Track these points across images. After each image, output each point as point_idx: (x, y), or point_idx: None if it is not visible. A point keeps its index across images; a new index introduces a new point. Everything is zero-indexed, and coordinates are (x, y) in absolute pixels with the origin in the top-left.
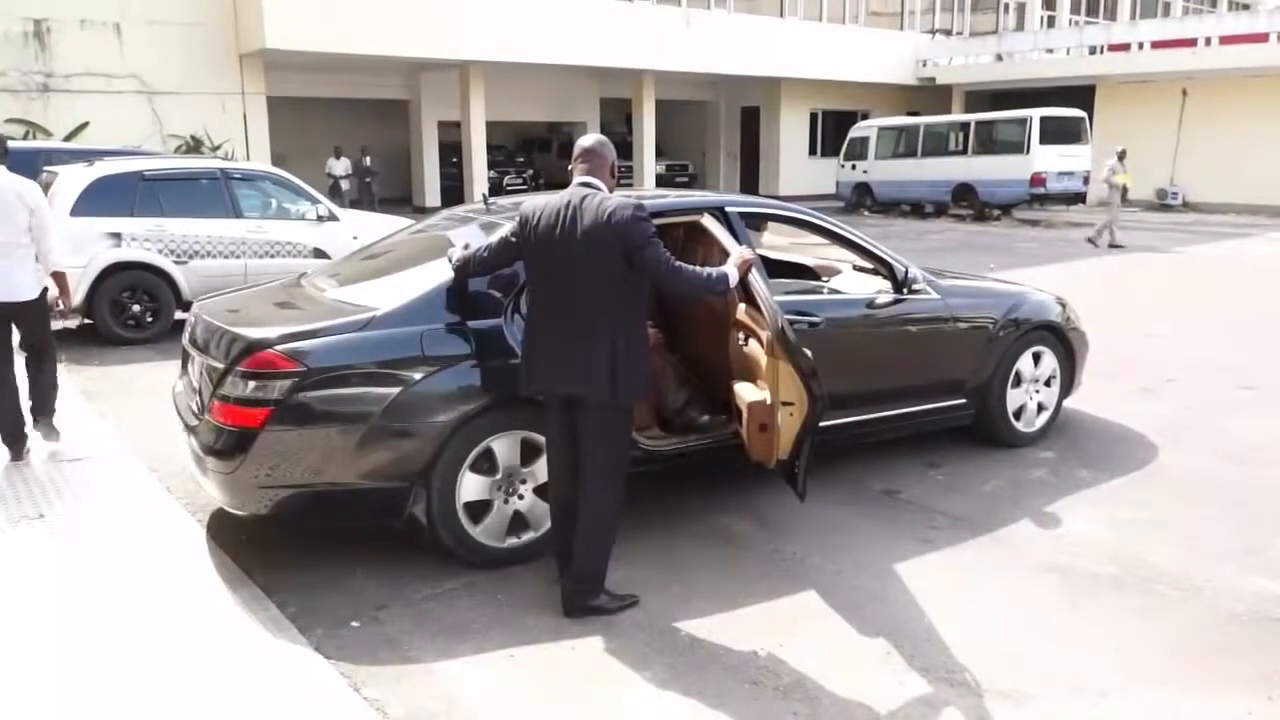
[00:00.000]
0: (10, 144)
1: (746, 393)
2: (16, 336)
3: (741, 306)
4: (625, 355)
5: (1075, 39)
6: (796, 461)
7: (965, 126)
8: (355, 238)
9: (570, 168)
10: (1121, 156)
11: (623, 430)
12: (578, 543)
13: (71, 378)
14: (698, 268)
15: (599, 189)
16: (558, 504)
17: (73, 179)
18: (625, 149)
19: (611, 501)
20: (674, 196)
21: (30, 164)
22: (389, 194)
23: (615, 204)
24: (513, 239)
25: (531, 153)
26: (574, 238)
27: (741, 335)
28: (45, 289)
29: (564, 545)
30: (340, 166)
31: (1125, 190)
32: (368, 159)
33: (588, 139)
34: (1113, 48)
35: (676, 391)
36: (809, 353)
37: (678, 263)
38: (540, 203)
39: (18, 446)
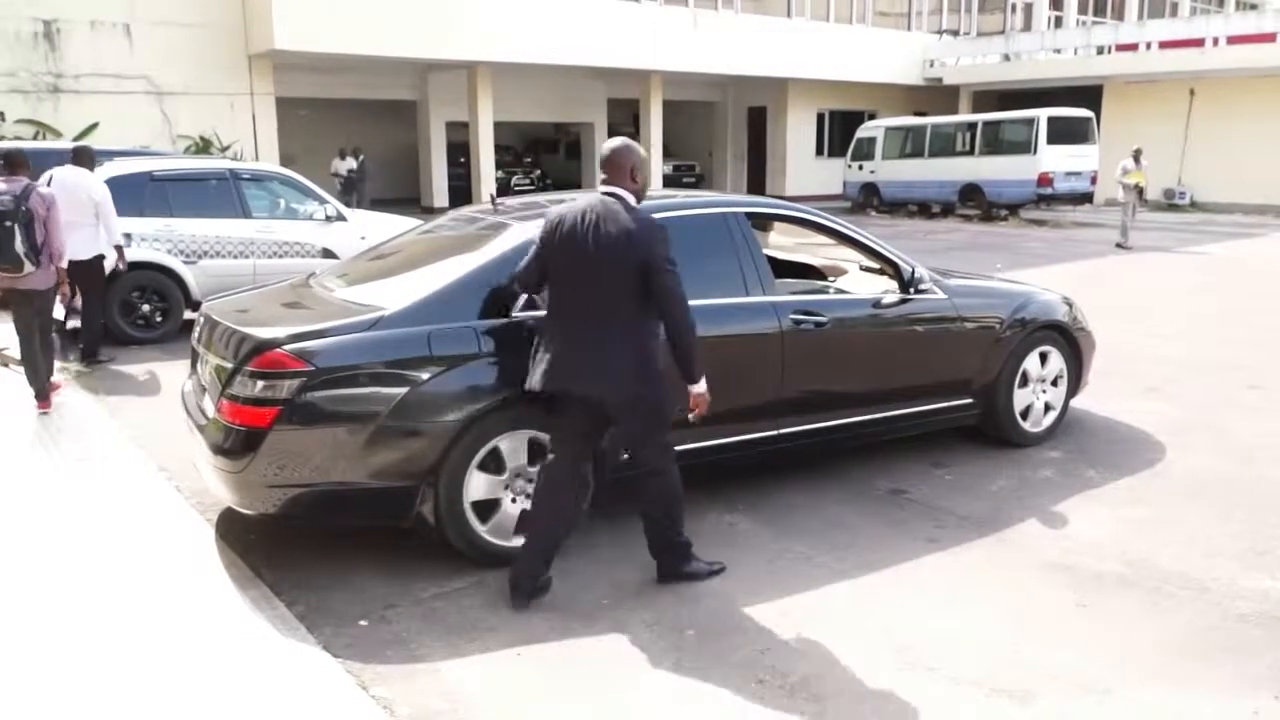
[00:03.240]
0: (20, 144)
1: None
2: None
3: None
4: (642, 359)
5: (1083, 39)
6: None
7: (972, 126)
8: (363, 238)
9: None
10: (1137, 156)
11: (659, 426)
12: (650, 525)
13: (81, 378)
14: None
15: (621, 197)
16: (544, 499)
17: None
18: None
19: (671, 484)
20: (682, 196)
21: (40, 164)
22: (402, 194)
23: (641, 222)
24: (540, 246)
25: (539, 153)
26: (594, 245)
27: None
28: (100, 255)
29: (537, 540)
30: (345, 166)
31: (1140, 190)
32: (359, 159)
33: (606, 146)
34: (1120, 48)
35: None
36: None
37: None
38: (564, 209)
39: (91, 359)
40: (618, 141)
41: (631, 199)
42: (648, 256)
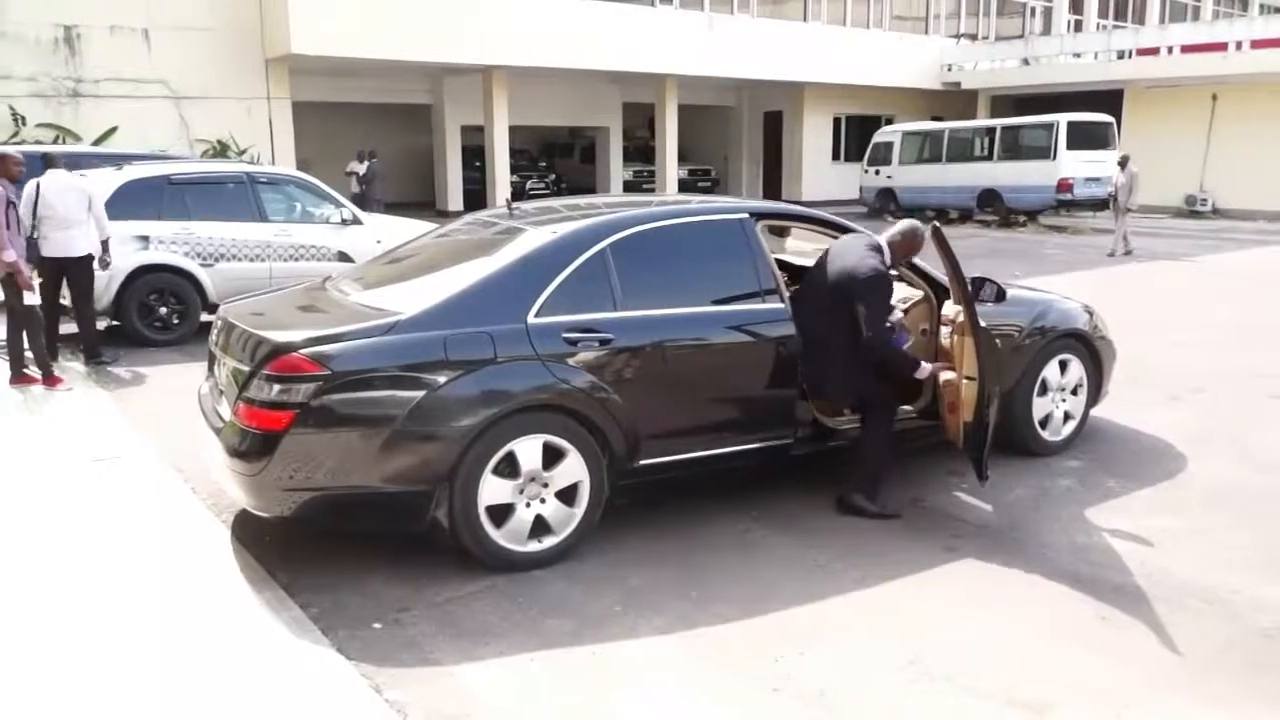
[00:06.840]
0: (40, 149)
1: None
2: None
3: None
4: (849, 370)
5: (1103, 43)
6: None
7: (991, 131)
8: (379, 241)
9: None
10: (1122, 164)
11: (875, 404)
12: (855, 460)
13: (98, 379)
14: (900, 339)
15: (876, 245)
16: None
17: (102, 183)
18: (647, 154)
19: (883, 440)
20: (696, 203)
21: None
22: (416, 198)
23: (859, 256)
24: None
25: (554, 157)
26: (825, 273)
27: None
28: (90, 254)
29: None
30: (364, 169)
31: (1114, 197)
32: (365, 163)
33: (902, 226)
34: (1141, 52)
35: None
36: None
37: (888, 326)
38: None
39: (50, 378)
40: (908, 224)
41: (886, 251)
42: (853, 287)
